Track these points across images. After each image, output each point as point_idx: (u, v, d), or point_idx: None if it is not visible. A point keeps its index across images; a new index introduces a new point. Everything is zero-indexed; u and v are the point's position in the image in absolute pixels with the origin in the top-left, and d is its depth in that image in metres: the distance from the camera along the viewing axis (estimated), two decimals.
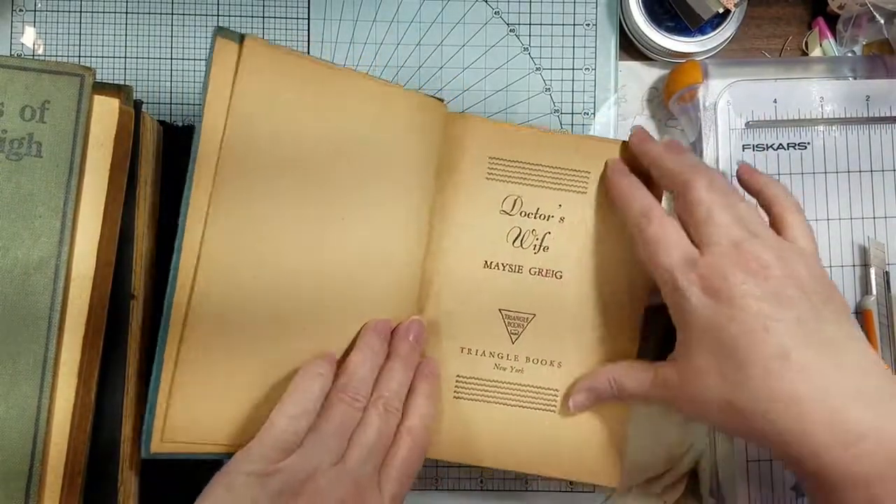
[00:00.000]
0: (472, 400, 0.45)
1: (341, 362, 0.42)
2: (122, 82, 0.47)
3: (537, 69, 0.51)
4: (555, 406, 0.45)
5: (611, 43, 0.51)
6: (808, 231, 0.40)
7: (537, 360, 0.45)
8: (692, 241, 0.39)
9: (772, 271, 0.36)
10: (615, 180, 0.44)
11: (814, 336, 0.35)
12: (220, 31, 0.39)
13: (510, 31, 0.51)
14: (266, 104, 0.40)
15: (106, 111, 0.39)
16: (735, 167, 0.47)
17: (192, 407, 0.39)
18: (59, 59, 0.49)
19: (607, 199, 0.45)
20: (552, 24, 0.51)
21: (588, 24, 0.51)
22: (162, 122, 0.47)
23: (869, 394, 0.35)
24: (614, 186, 0.44)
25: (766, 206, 0.41)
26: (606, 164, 0.45)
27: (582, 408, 0.44)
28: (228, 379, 0.40)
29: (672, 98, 0.49)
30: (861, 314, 0.46)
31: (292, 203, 0.41)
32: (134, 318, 0.41)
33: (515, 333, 0.46)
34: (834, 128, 0.47)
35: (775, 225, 0.41)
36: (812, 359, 0.35)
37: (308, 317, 0.42)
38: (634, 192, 0.42)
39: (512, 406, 0.45)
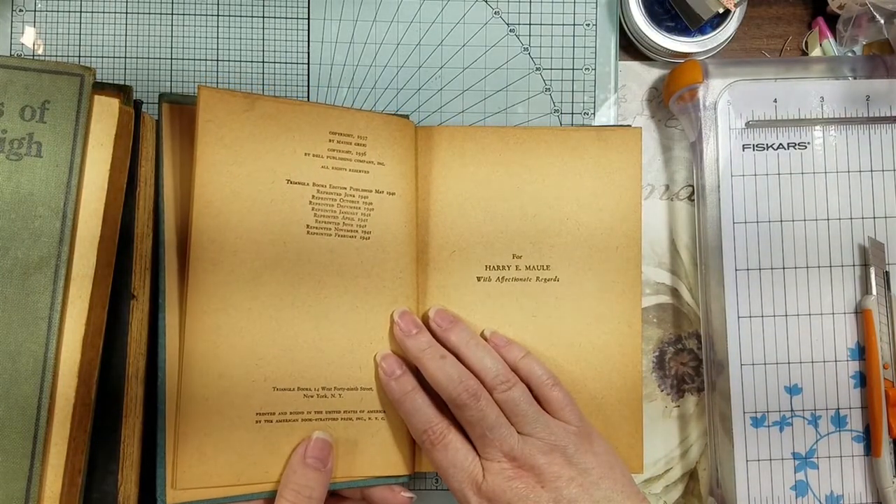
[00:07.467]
0: None
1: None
2: (122, 82, 0.47)
3: (537, 69, 0.51)
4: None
5: (611, 43, 0.51)
6: (569, 402, 0.42)
7: None
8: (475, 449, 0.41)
9: (546, 477, 0.39)
10: (389, 387, 0.43)
11: None
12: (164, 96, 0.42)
13: (510, 31, 0.51)
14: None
15: (106, 111, 0.39)
16: (735, 167, 0.47)
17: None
18: (59, 59, 0.49)
19: None
20: (552, 24, 0.51)
21: (588, 24, 0.51)
22: None
23: None
24: (390, 394, 0.43)
25: (525, 379, 0.42)
26: (377, 363, 0.43)
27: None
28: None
29: (672, 98, 0.49)
30: (861, 314, 0.46)
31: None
32: (134, 318, 0.41)
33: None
34: (834, 128, 0.47)
35: (539, 400, 0.42)
36: None
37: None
38: (411, 404, 0.42)
39: None
